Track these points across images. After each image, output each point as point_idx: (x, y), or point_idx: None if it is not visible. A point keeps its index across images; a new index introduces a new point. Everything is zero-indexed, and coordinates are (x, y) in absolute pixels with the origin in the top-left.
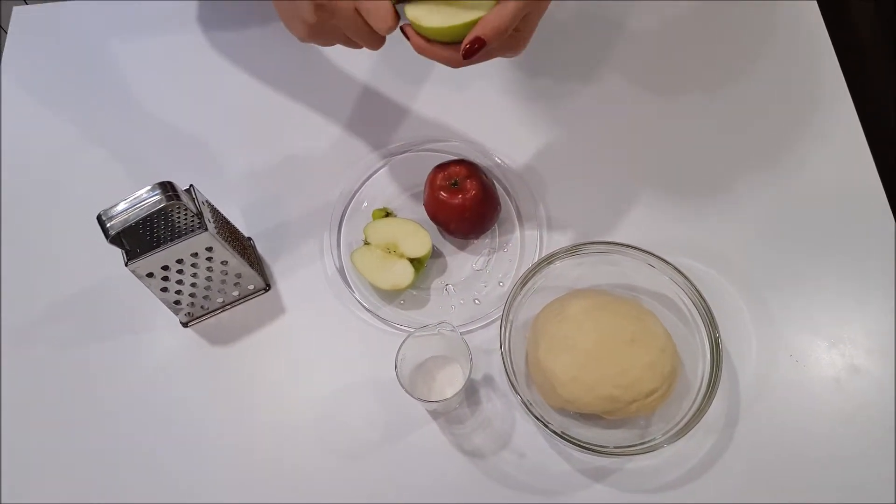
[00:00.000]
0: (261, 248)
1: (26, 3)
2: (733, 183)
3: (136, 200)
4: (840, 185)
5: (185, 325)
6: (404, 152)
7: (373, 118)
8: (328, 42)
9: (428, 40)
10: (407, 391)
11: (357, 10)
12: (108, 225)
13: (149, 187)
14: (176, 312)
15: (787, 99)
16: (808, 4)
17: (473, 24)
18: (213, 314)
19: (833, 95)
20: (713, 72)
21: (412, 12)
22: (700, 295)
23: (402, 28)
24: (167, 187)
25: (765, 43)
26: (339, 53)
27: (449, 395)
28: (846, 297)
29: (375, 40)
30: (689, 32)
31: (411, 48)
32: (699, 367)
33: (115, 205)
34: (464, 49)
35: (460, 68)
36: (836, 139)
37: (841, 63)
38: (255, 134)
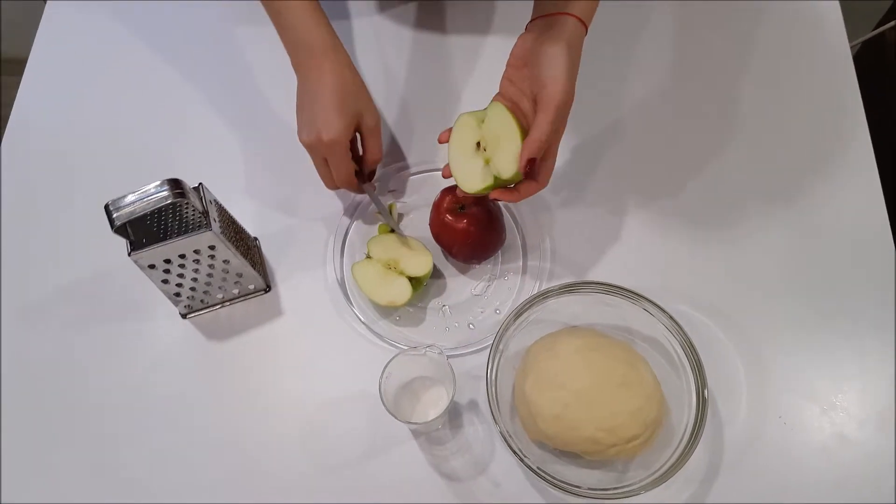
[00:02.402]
0: (266, 250)
1: None
2: (743, 237)
3: (144, 194)
4: (851, 250)
5: (184, 316)
6: (418, 171)
7: (392, 133)
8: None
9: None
10: (389, 410)
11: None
12: (114, 215)
13: (157, 183)
14: (176, 304)
15: (805, 155)
16: (841, 47)
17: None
18: (212, 309)
19: (855, 158)
20: (733, 123)
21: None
22: (692, 346)
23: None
24: (175, 184)
25: (789, 94)
26: (363, 69)
27: (431, 418)
28: (845, 364)
29: (331, 186)
30: (707, 73)
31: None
32: (684, 418)
33: (124, 196)
34: (524, 170)
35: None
36: (853, 200)
37: (868, 119)
38: (275, 136)
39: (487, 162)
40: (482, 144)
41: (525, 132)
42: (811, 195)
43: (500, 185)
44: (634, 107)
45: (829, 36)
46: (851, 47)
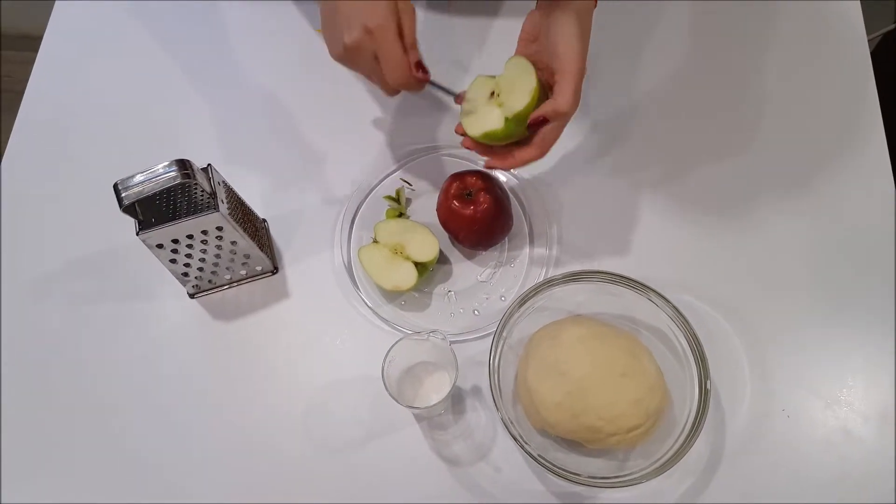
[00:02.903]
0: (274, 232)
1: None
2: (751, 230)
3: (152, 174)
4: (858, 245)
5: (191, 296)
6: (426, 154)
7: (401, 115)
8: (357, 70)
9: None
10: (391, 395)
11: (376, 57)
12: (122, 195)
13: (166, 163)
14: (183, 283)
15: (817, 150)
16: (859, 41)
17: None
18: (219, 289)
19: (868, 153)
20: (746, 115)
21: (477, 126)
22: (696, 338)
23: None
24: (183, 165)
25: (804, 88)
26: None
27: (433, 403)
28: (850, 359)
29: (389, 89)
30: (722, 65)
31: (449, 52)
32: (686, 409)
33: (133, 176)
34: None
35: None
36: (864, 195)
37: (884, 114)
38: (285, 119)
39: (500, 106)
40: (496, 92)
41: (543, 85)
42: (822, 190)
43: (508, 129)
44: (648, 95)
45: (848, 30)
46: (870, 40)
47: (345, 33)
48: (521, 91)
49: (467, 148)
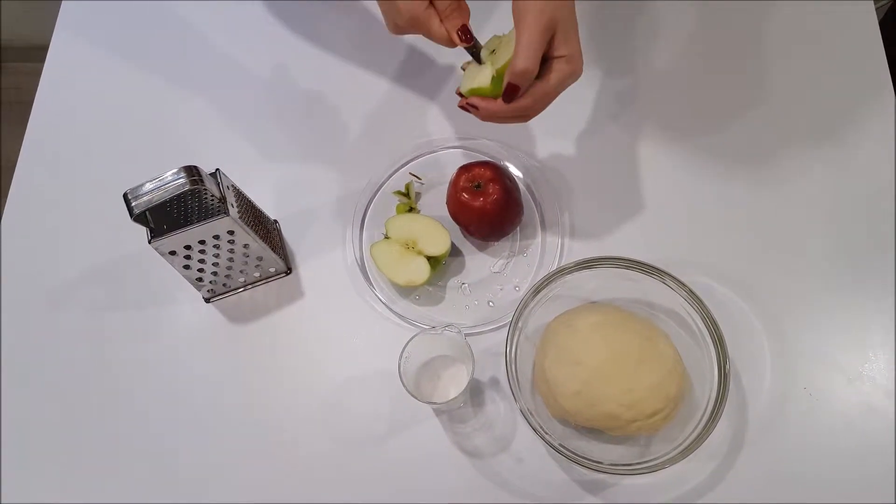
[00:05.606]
0: (286, 232)
1: None
2: (765, 206)
3: (161, 182)
4: (873, 217)
5: (207, 300)
6: (434, 148)
7: (407, 110)
8: (417, 34)
9: (493, 101)
10: (409, 391)
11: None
12: (132, 204)
13: (175, 170)
14: (198, 288)
15: (827, 122)
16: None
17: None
18: (234, 292)
19: (878, 125)
20: (755, 87)
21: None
22: (713, 321)
23: (466, 106)
24: (192, 171)
25: (812, 57)
26: (378, 45)
27: (451, 397)
28: (871, 334)
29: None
30: (728, 42)
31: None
32: (707, 391)
33: (142, 185)
34: (504, 96)
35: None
36: (876, 166)
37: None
38: (292, 119)
39: (493, 64)
40: (496, 51)
41: None
42: (831, 162)
43: (496, 88)
44: (653, 72)
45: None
46: (878, 9)
47: (396, 17)
48: (509, 47)
49: (461, 108)
